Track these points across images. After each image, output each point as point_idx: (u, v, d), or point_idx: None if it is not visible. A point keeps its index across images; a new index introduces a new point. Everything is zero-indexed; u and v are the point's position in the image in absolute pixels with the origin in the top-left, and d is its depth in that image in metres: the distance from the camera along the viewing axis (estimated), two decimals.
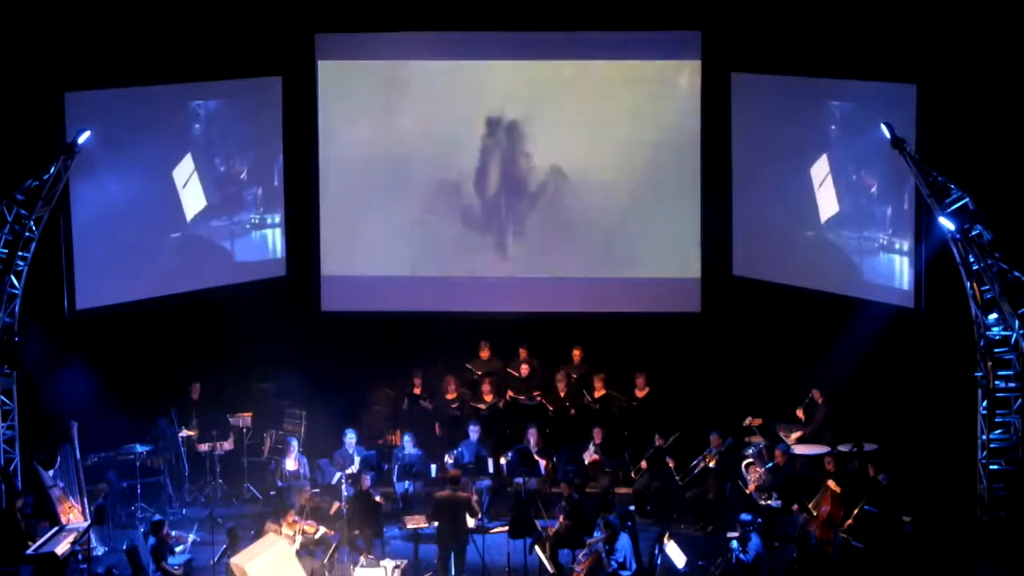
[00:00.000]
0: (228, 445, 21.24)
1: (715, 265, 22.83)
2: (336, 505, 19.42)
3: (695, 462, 20.04)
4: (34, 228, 19.65)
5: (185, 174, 21.94)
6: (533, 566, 18.44)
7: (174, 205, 22.02)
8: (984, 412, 19.57)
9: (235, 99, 22.39)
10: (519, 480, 19.92)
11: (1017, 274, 19.02)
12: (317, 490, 19.61)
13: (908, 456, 20.15)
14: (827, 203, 21.74)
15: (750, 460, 19.65)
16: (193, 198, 22.07)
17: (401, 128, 22.88)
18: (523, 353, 22.22)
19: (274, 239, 23.09)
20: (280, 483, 20.14)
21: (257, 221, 22.93)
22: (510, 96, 22.81)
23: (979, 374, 19.49)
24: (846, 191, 21.52)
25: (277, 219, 23.06)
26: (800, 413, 20.72)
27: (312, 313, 23.24)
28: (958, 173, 19.38)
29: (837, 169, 21.54)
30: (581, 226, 22.89)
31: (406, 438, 20.66)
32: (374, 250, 23.11)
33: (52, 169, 19.61)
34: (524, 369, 22.04)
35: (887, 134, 19.71)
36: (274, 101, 22.74)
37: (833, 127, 21.51)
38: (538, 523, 18.58)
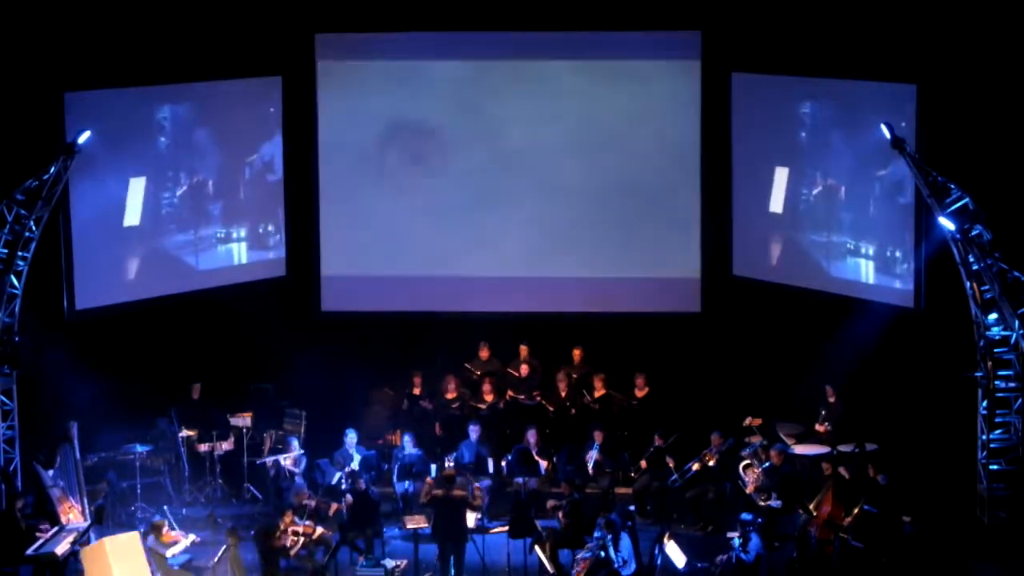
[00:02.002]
0: (228, 445, 21.24)
1: (715, 265, 22.83)
2: (335, 506, 19.42)
3: (692, 462, 20.02)
4: (34, 228, 19.65)
5: (168, 186, 21.96)
6: (533, 566, 18.43)
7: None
8: (984, 412, 19.57)
9: (235, 99, 22.39)
10: (519, 480, 19.93)
11: (1017, 274, 19.03)
12: (310, 492, 19.60)
13: (908, 456, 20.14)
14: (824, 202, 21.73)
15: (747, 461, 19.64)
16: (171, 208, 22.06)
17: (401, 128, 22.86)
18: (523, 353, 22.22)
19: (274, 239, 23.07)
20: (278, 475, 20.19)
21: (257, 221, 22.93)
22: (510, 96, 22.80)
23: (979, 374, 19.49)
24: (845, 191, 21.51)
25: (277, 219, 23.05)
26: (822, 428, 20.64)
27: (312, 313, 23.25)
28: (958, 173, 19.39)
29: (836, 169, 21.54)
30: (581, 226, 22.88)
31: (406, 438, 20.66)
32: (374, 250, 23.11)
33: (52, 169, 19.61)
34: (524, 369, 22.04)
35: (887, 134, 19.72)
36: (274, 101, 22.74)
37: (833, 127, 21.50)
38: (538, 523, 18.58)
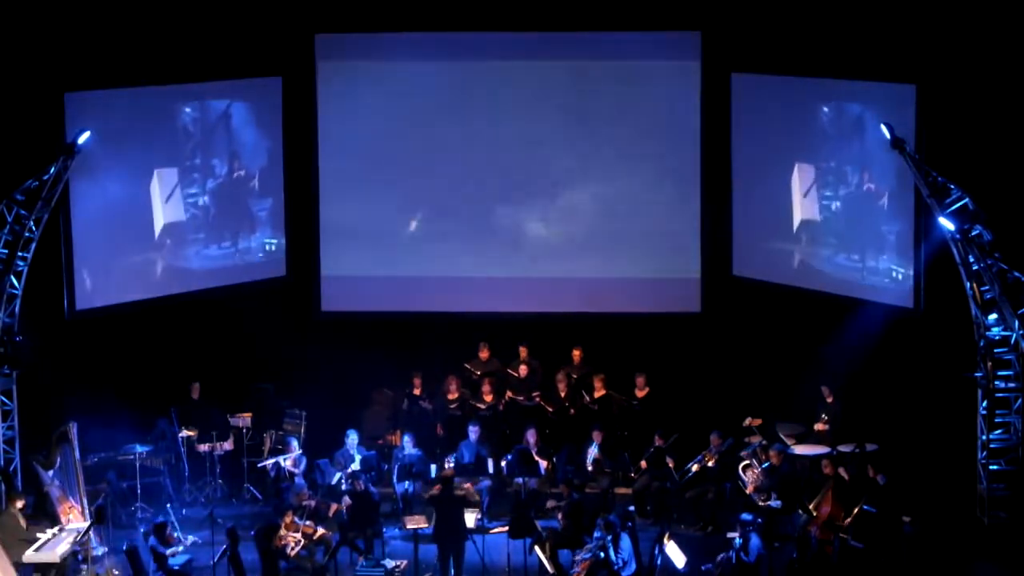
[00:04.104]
0: (228, 445, 21.25)
1: (715, 265, 22.83)
2: (335, 506, 19.42)
3: (692, 462, 20.03)
4: (34, 228, 19.65)
5: (168, 187, 21.96)
6: (533, 566, 18.44)
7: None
8: (984, 412, 19.57)
9: (235, 99, 22.41)
10: (519, 480, 19.92)
11: (1017, 274, 19.03)
12: (310, 492, 19.59)
13: (908, 456, 20.14)
14: (826, 203, 21.74)
15: (747, 462, 19.63)
16: (172, 209, 22.06)
17: (401, 128, 22.86)
18: (523, 353, 22.22)
19: (274, 239, 23.08)
20: (278, 475, 20.20)
21: (257, 221, 22.93)
22: (510, 96, 22.80)
23: (979, 374, 19.49)
24: (845, 191, 21.52)
25: (277, 219, 23.06)
26: (821, 426, 20.65)
27: (312, 313, 23.25)
28: (958, 173, 19.39)
29: (837, 169, 21.55)
30: (581, 226, 22.89)
31: (406, 438, 20.67)
32: (374, 250, 23.11)
33: (52, 169, 19.61)
34: (523, 369, 22.03)
35: (887, 134, 19.72)
36: (274, 101, 22.75)
37: (833, 127, 21.51)
38: (538, 523, 18.58)
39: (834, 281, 21.70)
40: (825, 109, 21.54)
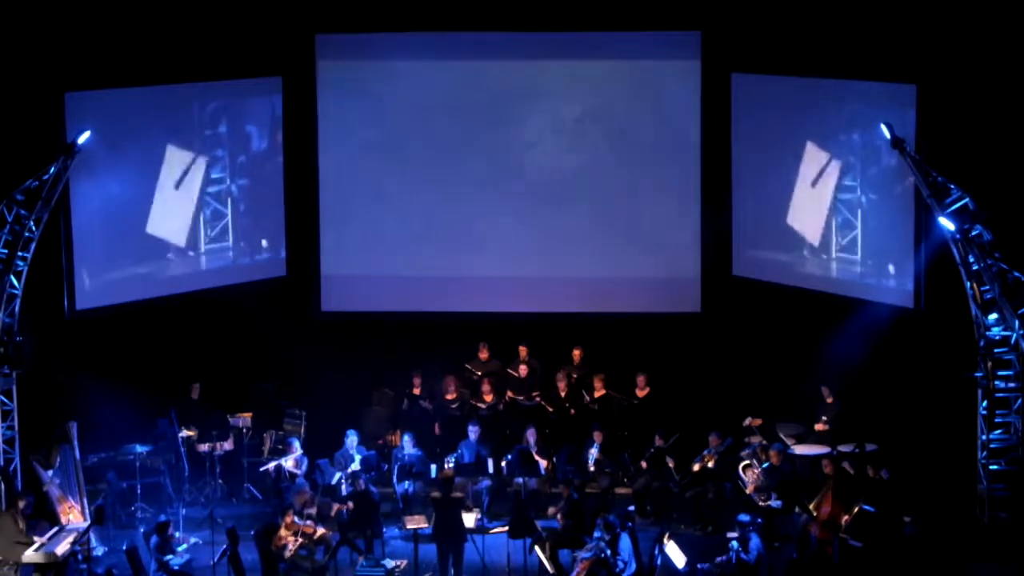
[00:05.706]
0: (228, 445, 21.25)
1: (715, 265, 22.83)
2: (336, 507, 19.42)
3: (692, 465, 20.02)
4: (34, 228, 19.65)
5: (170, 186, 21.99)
6: (533, 566, 18.44)
7: None
8: (984, 412, 19.57)
9: (235, 99, 22.41)
10: (519, 480, 19.92)
11: (1017, 274, 19.04)
12: (312, 493, 19.59)
13: (908, 456, 20.15)
14: (826, 202, 21.74)
15: (747, 462, 19.63)
16: (174, 207, 22.07)
17: (401, 128, 22.87)
18: (523, 353, 22.22)
19: (274, 239, 23.08)
20: (279, 476, 20.20)
21: (256, 220, 22.93)
22: (510, 96, 22.80)
23: (979, 374, 19.49)
24: (845, 191, 21.51)
25: (277, 219, 23.06)
26: (820, 426, 20.65)
27: (312, 313, 23.25)
28: (958, 173, 19.39)
29: (837, 168, 21.54)
30: (581, 226, 22.88)
31: (406, 438, 20.68)
32: (374, 250, 23.11)
33: (52, 169, 19.62)
34: (523, 369, 22.03)
35: (887, 134, 19.73)
36: (274, 101, 22.74)
37: (833, 127, 21.50)
38: (538, 523, 18.58)
39: (834, 280, 21.71)
40: (825, 109, 21.53)
